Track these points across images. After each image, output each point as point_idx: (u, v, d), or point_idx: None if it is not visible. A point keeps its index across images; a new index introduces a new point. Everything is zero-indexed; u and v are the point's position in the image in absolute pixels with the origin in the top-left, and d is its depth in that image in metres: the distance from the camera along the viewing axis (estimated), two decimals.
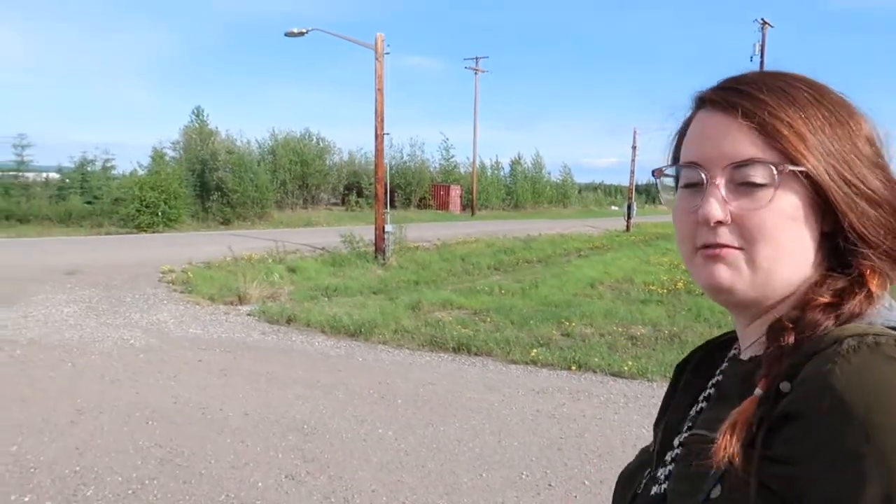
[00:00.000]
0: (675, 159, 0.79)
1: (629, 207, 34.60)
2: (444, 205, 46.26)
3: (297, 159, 37.19)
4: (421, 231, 22.97)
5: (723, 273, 0.70)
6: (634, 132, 34.52)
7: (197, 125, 34.37)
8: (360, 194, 40.53)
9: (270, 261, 14.76)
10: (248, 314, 9.65)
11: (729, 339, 0.87)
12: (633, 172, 36.25)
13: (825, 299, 0.67)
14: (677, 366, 0.91)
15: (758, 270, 0.70)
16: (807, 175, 0.67)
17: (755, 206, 0.68)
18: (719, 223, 0.69)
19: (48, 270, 12.64)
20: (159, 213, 24.99)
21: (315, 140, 39.79)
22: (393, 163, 41.86)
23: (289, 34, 16.00)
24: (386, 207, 16.50)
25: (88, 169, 29.80)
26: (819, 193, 0.68)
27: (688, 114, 0.78)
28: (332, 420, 5.13)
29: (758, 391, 0.64)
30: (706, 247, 0.71)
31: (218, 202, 30.04)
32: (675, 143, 0.80)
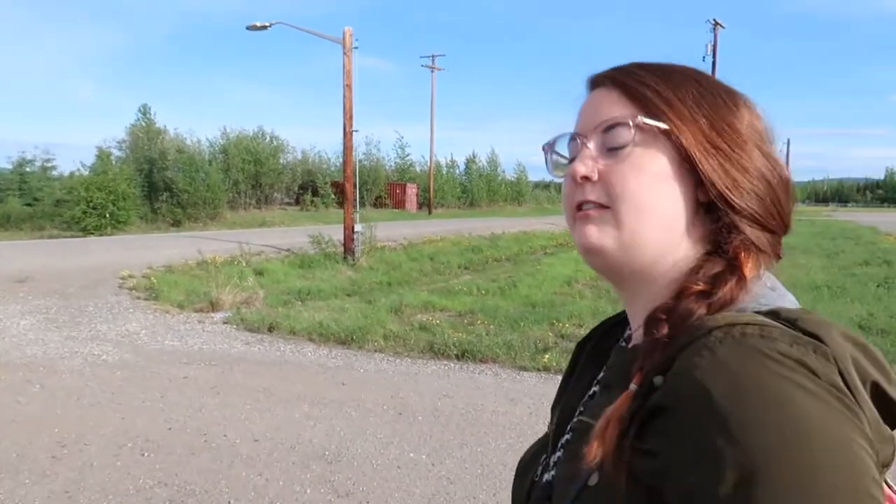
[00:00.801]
0: None
1: None
2: (400, 203, 45.73)
3: (250, 158, 36.16)
4: (383, 230, 22.37)
5: (592, 232, 0.71)
6: None
7: (144, 124, 33.02)
8: (315, 193, 39.68)
9: (244, 264, 13.98)
10: (224, 322, 8.98)
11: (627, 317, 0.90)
12: None
13: (699, 287, 0.67)
14: (578, 344, 0.91)
15: (623, 228, 0.69)
16: (671, 135, 0.68)
17: (618, 161, 0.70)
18: (586, 178, 0.71)
19: None
20: (107, 215, 23.71)
21: (268, 138, 38.77)
22: None
23: (251, 28, 15.19)
24: (355, 207, 15.89)
25: (27, 170, 28.18)
26: (690, 159, 0.69)
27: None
28: (353, 444, 4.59)
29: (633, 385, 0.64)
30: (579, 207, 0.72)
31: (168, 203, 28.87)
32: None
